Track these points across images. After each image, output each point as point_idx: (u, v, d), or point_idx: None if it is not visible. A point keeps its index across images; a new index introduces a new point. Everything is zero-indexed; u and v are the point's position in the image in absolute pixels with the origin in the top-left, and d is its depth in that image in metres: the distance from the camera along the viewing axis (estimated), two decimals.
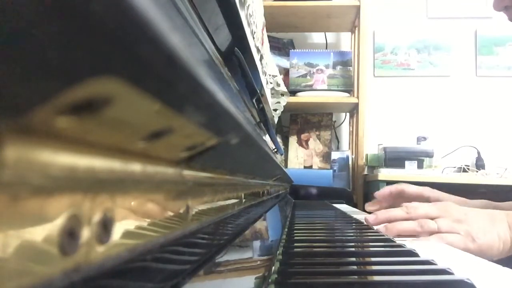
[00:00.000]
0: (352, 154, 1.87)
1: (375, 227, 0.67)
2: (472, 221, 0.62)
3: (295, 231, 0.59)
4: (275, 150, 0.86)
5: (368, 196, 1.75)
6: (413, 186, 0.99)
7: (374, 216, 0.69)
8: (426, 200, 0.93)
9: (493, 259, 0.60)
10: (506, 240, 0.61)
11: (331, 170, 1.78)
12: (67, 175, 0.09)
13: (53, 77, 0.07)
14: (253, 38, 0.55)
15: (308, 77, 1.84)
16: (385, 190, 1.03)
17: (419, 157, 1.68)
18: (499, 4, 0.83)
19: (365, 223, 0.72)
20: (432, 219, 0.63)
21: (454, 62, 2.09)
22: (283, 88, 1.15)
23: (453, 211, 0.64)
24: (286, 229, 0.61)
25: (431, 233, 0.62)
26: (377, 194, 1.04)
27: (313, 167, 1.84)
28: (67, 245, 0.09)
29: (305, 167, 1.84)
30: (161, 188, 0.15)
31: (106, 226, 0.11)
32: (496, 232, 0.61)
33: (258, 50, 0.64)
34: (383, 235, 0.57)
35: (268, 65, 0.86)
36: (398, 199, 0.97)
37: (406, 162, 1.66)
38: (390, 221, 0.67)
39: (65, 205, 0.09)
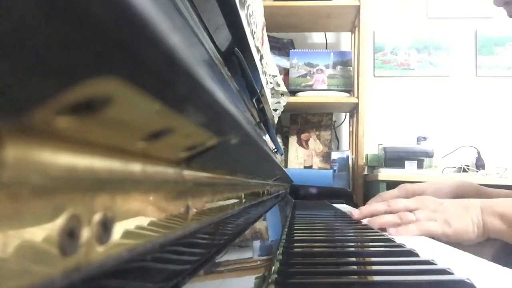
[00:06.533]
0: (352, 154, 1.87)
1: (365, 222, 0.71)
2: (447, 209, 0.69)
3: (295, 231, 0.59)
4: (275, 150, 0.86)
5: (368, 196, 1.75)
6: (390, 191, 1.03)
7: (358, 211, 0.77)
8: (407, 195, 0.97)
9: (473, 243, 0.68)
10: (479, 223, 0.67)
11: (331, 170, 1.78)
12: (67, 175, 0.09)
13: (53, 77, 0.07)
14: (253, 38, 0.55)
15: (308, 77, 1.83)
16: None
17: (419, 157, 1.68)
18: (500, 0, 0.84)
19: (363, 222, 0.73)
20: (411, 211, 0.69)
21: (454, 62, 2.09)
22: (283, 88, 1.15)
23: (429, 202, 0.71)
24: (286, 229, 0.61)
25: (410, 223, 0.68)
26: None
27: (313, 167, 1.84)
28: (67, 245, 0.09)
29: (305, 167, 1.84)
30: (161, 188, 0.15)
31: (106, 226, 0.11)
32: (469, 217, 0.68)
33: (258, 50, 0.64)
34: (383, 235, 0.57)
35: (268, 65, 0.86)
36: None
37: (406, 162, 1.66)
38: (373, 215, 0.73)
39: (65, 205, 0.09)
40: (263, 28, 0.73)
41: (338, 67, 1.85)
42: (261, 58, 0.69)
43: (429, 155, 1.69)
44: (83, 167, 0.10)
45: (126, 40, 0.08)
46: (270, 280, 0.32)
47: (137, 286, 0.13)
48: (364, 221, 0.73)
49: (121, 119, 0.10)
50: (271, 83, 1.00)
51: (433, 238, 0.65)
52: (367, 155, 1.79)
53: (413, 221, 0.67)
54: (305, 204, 1.31)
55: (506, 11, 0.85)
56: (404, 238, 0.61)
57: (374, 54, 2.11)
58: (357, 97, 1.74)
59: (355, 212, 0.78)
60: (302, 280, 0.33)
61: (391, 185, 1.60)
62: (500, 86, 2.06)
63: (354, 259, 0.44)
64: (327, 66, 1.85)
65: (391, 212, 0.71)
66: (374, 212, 0.74)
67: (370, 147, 1.84)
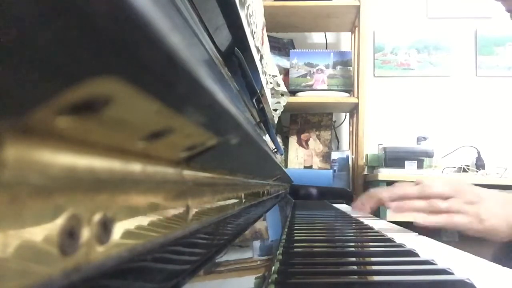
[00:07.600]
0: (352, 154, 1.87)
1: (374, 227, 0.67)
2: (484, 203, 0.63)
3: (295, 231, 0.59)
4: (275, 150, 0.86)
5: None
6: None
7: (388, 192, 0.70)
8: None
9: (502, 241, 0.62)
10: None
11: (331, 170, 1.78)
12: (67, 175, 0.09)
13: (53, 77, 0.07)
14: (253, 38, 0.55)
15: (308, 77, 1.83)
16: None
17: (419, 157, 1.68)
18: None
19: (365, 223, 0.72)
20: (445, 198, 0.64)
21: (454, 62, 2.09)
22: (283, 88, 1.15)
23: (467, 192, 0.65)
24: (286, 229, 0.61)
25: (441, 212, 0.63)
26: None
27: (313, 167, 1.84)
28: (67, 245, 0.09)
29: (305, 167, 1.84)
30: (161, 188, 0.15)
31: (106, 226, 0.11)
32: (505, 216, 0.62)
33: (258, 50, 0.64)
34: (383, 235, 0.57)
35: (268, 65, 0.86)
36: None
37: (406, 162, 1.66)
38: (403, 198, 0.67)
39: (65, 205, 0.09)
40: (263, 28, 0.73)
41: (338, 67, 1.85)
42: (261, 58, 0.69)
43: (429, 155, 1.69)
44: (83, 167, 0.10)
45: (126, 40, 0.08)
46: (270, 280, 0.32)
47: (137, 286, 0.13)
48: (392, 205, 0.68)
49: (121, 119, 0.10)
50: (271, 83, 1.00)
51: (460, 231, 0.62)
52: (367, 155, 1.79)
53: (444, 210, 0.63)
54: (305, 204, 1.31)
55: (504, 6, 0.84)
56: (404, 238, 0.61)
57: (374, 54, 2.11)
58: (357, 97, 1.74)
59: (385, 193, 0.71)
60: (302, 280, 0.33)
61: (391, 185, 1.60)
62: (500, 86, 2.06)
63: (354, 259, 0.44)
64: (327, 66, 1.84)
65: (423, 198, 0.65)
66: (405, 195, 0.68)
67: (370, 147, 1.84)
